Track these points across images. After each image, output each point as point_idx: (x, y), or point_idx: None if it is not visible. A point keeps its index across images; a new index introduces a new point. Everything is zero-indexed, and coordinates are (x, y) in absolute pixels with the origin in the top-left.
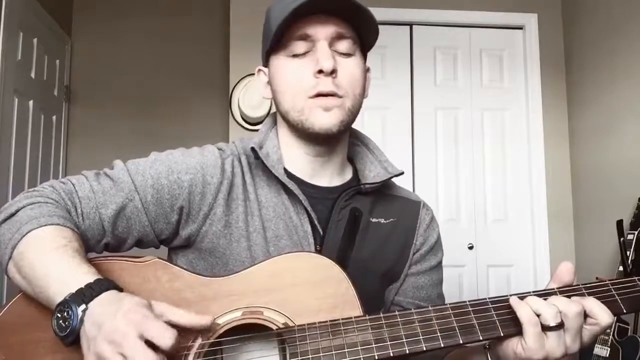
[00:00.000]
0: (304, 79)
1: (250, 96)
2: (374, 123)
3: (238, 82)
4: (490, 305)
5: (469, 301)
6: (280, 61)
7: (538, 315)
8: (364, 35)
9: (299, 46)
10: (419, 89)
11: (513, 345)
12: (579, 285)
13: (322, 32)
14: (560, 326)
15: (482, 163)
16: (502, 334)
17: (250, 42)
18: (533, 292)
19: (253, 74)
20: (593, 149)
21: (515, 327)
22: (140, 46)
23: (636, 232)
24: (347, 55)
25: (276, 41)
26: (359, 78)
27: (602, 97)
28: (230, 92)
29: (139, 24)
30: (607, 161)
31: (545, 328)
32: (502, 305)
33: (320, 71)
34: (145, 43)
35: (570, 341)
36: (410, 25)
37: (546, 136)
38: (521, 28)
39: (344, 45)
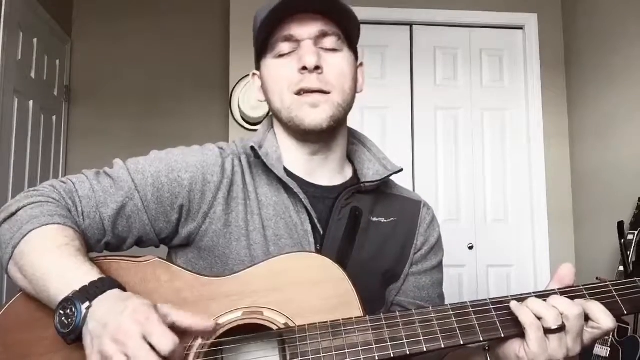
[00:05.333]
0: (289, 76)
1: (250, 96)
2: (374, 123)
3: (238, 82)
4: (492, 307)
5: (469, 302)
6: (268, 63)
7: (539, 318)
8: (347, 28)
9: (284, 47)
10: (419, 89)
11: (515, 348)
12: (579, 286)
13: (305, 31)
14: (561, 329)
15: (482, 163)
16: (502, 335)
17: (250, 42)
18: (533, 293)
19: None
20: (593, 149)
21: (516, 329)
22: (140, 46)
23: (636, 233)
24: (333, 51)
25: (263, 45)
26: (348, 72)
27: (602, 97)
28: (230, 92)
29: (139, 24)
30: (607, 161)
31: (547, 331)
32: (504, 307)
33: (304, 68)
34: (145, 43)
35: (571, 343)
36: (410, 25)
37: (546, 136)
38: (521, 28)
39: (329, 42)
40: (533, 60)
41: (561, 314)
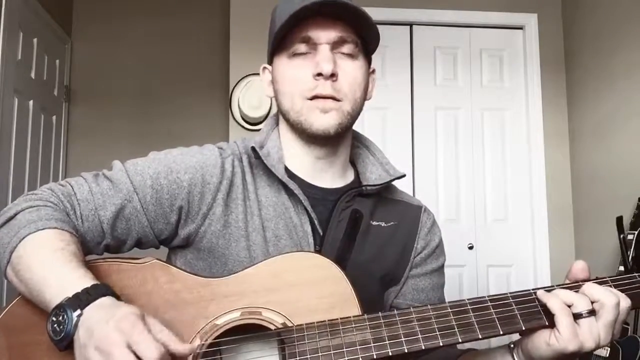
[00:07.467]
0: (303, 79)
1: (250, 96)
2: (374, 123)
3: (238, 82)
4: (490, 304)
5: (468, 299)
6: (282, 61)
7: (569, 306)
8: (366, 38)
9: (301, 47)
10: (419, 89)
11: (545, 337)
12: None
13: (324, 36)
14: (592, 313)
15: (482, 163)
16: (501, 332)
17: (250, 42)
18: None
19: (253, 74)
20: (593, 149)
21: (514, 325)
22: (140, 46)
23: (636, 233)
24: (349, 57)
25: (279, 42)
26: (360, 81)
27: (602, 97)
28: (230, 92)
29: (139, 23)
30: (607, 161)
31: (576, 316)
32: (502, 303)
33: (320, 74)
34: (145, 43)
35: (603, 329)
36: (410, 25)
37: (546, 136)
38: (521, 28)
39: (346, 49)
40: (533, 60)
41: (594, 302)
